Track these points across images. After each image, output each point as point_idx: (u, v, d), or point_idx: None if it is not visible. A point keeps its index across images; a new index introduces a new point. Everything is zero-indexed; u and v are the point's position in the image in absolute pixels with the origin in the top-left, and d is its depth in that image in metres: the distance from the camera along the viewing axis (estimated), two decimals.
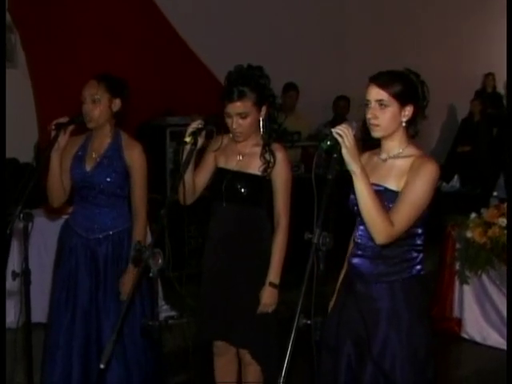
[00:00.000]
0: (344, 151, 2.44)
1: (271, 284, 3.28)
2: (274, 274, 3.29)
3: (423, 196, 2.59)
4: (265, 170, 3.26)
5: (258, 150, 3.29)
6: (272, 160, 3.25)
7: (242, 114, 3.21)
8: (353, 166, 2.47)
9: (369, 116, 2.64)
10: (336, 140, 2.44)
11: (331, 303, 2.95)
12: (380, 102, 2.61)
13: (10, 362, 3.40)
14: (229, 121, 3.25)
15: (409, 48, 9.09)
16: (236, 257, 3.33)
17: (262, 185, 3.29)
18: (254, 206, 3.33)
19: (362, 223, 2.67)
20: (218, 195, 3.34)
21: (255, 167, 3.28)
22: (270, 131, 3.30)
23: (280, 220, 3.28)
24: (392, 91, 2.61)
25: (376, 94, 2.62)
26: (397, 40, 9.37)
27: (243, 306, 3.33)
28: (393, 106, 2.62)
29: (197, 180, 3.31)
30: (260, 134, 3.31)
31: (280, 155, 3.27)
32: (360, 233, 2.77)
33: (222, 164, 3.36)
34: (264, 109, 3.28)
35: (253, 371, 3.49)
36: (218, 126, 3.23)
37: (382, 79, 2.64)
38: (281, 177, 3.27)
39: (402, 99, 2.62)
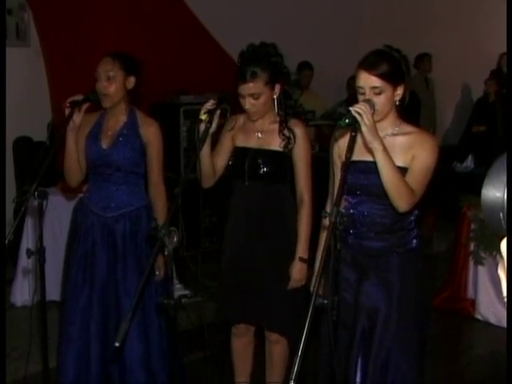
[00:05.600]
0: (364, 129, 2.47)
1: (301, 259, 3.28)
2: (302, 249, 3.28)
3: (431, 167, 2.72)
4: (286, 146, 3.25)
5: (277, 126, 3.28)
6: (292, 136, 3.24)
7: (254, 94, 3.21)
8: (374, 143, 2.52)
9: None
10: (354, 118, 2.45)
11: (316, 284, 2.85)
12: (374, 91, 2.65)
13: (25, 340, 3.40)
14: (242, 101, 3.24)
15: (423, 28, 8.99)
16: (261, 235, 3.32)
17: (284, 161, 3.28)
18: (277, 183, 3.33)
19: (366, 200, 2.76)
20: (240, 174, 3.33)
21: (276, 144, 3.27)
22: (285, 108, 3.29)
23: (303, 196, 3.28)
24: (381, 72, 2.64)
25: (369, 80, 2.66)
26: (411, 20, 9.26)
27: (269, 285, 3.31)
28: (387, 91, 2.66)
29: (216, 162, 3.29)
30: (276, 112, 3.29)
31: (299, 131, 3.26)
32: (367, 210, 2.79)
33: (241, 143, 3.35)
34: (278, 87, 3.26)
35: (280, 350, 3.50)
36: (231, 104, 3.22)
37: (369, 62, 2.68)
38: (301, 152, 3.26)
39: (392, 80, 2.67)
